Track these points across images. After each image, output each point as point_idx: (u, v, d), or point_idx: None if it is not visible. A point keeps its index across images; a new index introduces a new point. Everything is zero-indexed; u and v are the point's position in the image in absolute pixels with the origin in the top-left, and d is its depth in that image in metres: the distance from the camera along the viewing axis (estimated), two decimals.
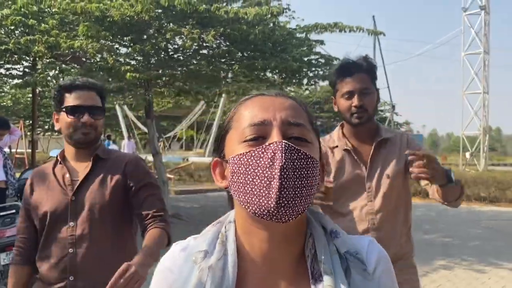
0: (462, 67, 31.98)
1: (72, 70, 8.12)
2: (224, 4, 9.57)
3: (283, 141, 0.97)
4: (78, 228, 2.26)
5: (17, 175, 6.96)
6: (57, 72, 8.30)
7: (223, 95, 19.56)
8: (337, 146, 2.65)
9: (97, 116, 2.34)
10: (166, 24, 8.55)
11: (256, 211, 0.97)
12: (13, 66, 11.29)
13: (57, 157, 2.39)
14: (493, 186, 17.10)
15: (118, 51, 9.55)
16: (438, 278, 7.23)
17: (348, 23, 9.96)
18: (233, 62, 9.88)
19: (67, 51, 8.65)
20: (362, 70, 2.55)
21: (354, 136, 2.65)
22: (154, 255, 2.08)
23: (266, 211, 0.95)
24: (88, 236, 2.26)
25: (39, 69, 9.18)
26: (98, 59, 9.00)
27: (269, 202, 0.95)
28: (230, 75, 10.71)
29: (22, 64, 10.58)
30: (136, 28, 8.84)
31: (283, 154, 0.95)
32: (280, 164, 0.94)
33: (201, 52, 10.04)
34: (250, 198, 0.97)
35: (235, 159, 1.00)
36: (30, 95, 22.12)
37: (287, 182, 0.94)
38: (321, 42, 10.57)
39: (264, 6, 8.31)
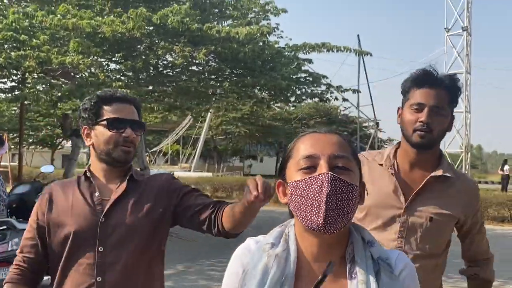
0: None
1: (63, 86, 8.14)
2: (215, 22, 9.73)
3: (329, 172, 1.24)
4: (108, 253, 2.02)
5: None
6: (47, 87, 8.31)
7: (210, 111, 19.72)
8: (381, 164, 2.26)
9: (138, 131, 2.12)
10: (157, 41, 8.65)
11: (308, 225, 1.25)
12: (1, 80, 11.28)
13: (85, 172, 2.15)
14: None
15: (108, 67, 9.61)
16: None
17: (333, 41, 10.22)
18: (223, 79, 10.03)
19: (57, 67, 8.69)
20: (443, 87, 2.15)
21: (407, 161, 2.23)
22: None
23: (316, 225, 1.23)
24: (120, 263, 2.02)
25: (29, 84, 9.19)
26: (87, 74, 9.05)
27: (318, 220, 1.22)
28: (219, 91, 10.85)
29: (12, 78, 10.59)
30: (127, 45, 8.92)
31: (329, 184, 1.22)
32: (327, 191, 1.22)
33: (190, 68, 10.16)
34: (304, 215, 1.25)
35: (293, 183, 1.29)
36: (15, 108, 21.94)
37: (332, 205, 1.22)
38: (310, 61, 10.78)
39: (255, 26, 8.48)
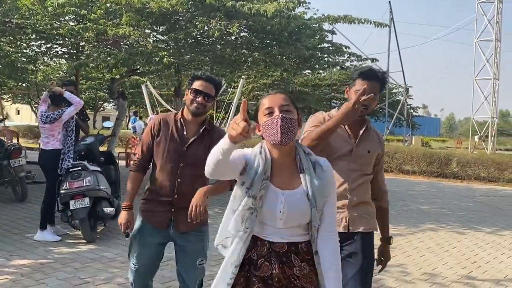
0: (475, 53, 32.80)
1: (118, 54, 9.43)
2: None
3: (280, 114, 2.29)
4: (185, 167, 3.44)
5: None
6: (105, 55, 9.62)
7: (243, 77, 20.88)
8: None
9: (208, 100, 3.45)
10: (197, 15, 9.83)
11: (273, 143, 2.32)
12: (60, 49, 12.73)
13: (181, 116, 3.51)
14: (492, 167, 18.28)
15: (154, 38, 10.89)
16: (423, 236, 8.58)
17: (365, 7, 11.20)
18: (253, 49, 11.20)
19: (111, 38, 10.00)
20: (377, 80, 3.26)
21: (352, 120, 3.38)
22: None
23: (277, 142, 2.29)
24: (189, 174, 3.44)
25: (86, 52, 10.55)
26: (137, 45, 10.33)
27: (277, 139, 2.28)
28: (250, 59, 12.03)
29: (73, 46, 11.99)
30: (171, 18, 10.16)
31: (280, 119, 2.28)
32: (280, 124, 2.27)
33: (225, 38, 11.30)
34: (270, 138, 2.31)
35: (263, 124, 2.34)
36: (60, 72, 23.54)
37: (283, 130, 2.27)
38: (332, 32, 11.83)
39: (282, 1, 9.58)
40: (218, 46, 11.25)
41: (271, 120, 2.28)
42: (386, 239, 3.61)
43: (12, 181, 9.48)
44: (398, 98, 43.41)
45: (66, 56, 13.36)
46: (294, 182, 2.39)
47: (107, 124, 8.70)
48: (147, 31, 10.45)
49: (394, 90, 43.82)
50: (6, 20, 10.47)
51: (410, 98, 46.10)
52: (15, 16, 10.24)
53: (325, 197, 2.41)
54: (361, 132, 3.38)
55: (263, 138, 2.41)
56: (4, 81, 23.68)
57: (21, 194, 9.50)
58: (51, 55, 13.20)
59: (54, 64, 19.57)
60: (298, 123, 2.35)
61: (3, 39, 13.65)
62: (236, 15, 9.59)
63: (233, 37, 10.89)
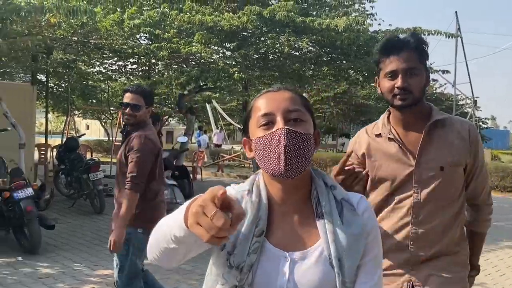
0: None
1: (191, 72, 9.76)
2: (315, 12, 10.95)
3: (285, 127, 1.37)
4: (118, 174, 3.82)
5: None
6: (178, 72, 9.99)
7: (306, 90, 20.99)
8: (380, 134, 2.36)
9: (136, 110, 3.72)
10: (265, 32, 10.03)
11: (272, 173, 1.40)
12: (131, 67, 13.28)
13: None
14: None
15: (224, 55, 11.19)
16: (501, 254, 8.26)
17: (431, 18, 11.07)
18: (321, 63, 11.27)
19: (184, 56, 10.35)
20: (409, 48, 2.18)
21: (401, 122, 2.30)
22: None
23: (278, 173, 1.37)
24: (120, 178, 3.77)
25: (160, 70, 10.96)
26: (208, 61, 10.65)
27: (280, 168, 1.36)
28: (318, 73, 12.09)
29: (146, 64, 12.52)
30: (241, 35, 10.41)
31: (285, 137, 1.36)
32: (284, 144, 1.36)
33: (292, 53, 11.43)
34: (268, 165, 1.40)
35: (256, 140, 1.43)
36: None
37: (290, 154, 1.36)
38: None
39: (351, 16, 9.61)
40: (287, 61, 11.38)
41: (269, 136, 1.40)
42: (472, 267, 2.44)
43: (91, 193, 9.93)
44: (465, 110, 42.12)
45: (136, 73, 13.92)
46: (308, 236, 1.44)
47: (181, 139, 9.02)
48: (216, 47, 10.73)
49: (461, 102, 42.56)
50: (85, 40, 11.06)
51: (478, 110, 44.61)
52: (94, 37, 10.80)
53: (359, 261, 1.42)
54: (422, 135, 2.24)
55: (257, 166, 1.52)
56: (73, 100, 24.64)
57: (99, 206, 9.92)
58: (127, 73, 13.80)
59: (123, 80, 20.45)
60: (315, 140, 1.48)
61: (78, 58, 14.45)
62: (305, 30, 9.69)
63: (299, 52, 11.00)
